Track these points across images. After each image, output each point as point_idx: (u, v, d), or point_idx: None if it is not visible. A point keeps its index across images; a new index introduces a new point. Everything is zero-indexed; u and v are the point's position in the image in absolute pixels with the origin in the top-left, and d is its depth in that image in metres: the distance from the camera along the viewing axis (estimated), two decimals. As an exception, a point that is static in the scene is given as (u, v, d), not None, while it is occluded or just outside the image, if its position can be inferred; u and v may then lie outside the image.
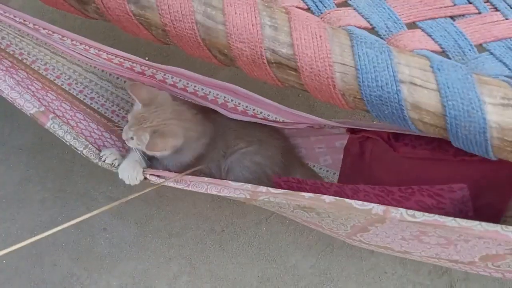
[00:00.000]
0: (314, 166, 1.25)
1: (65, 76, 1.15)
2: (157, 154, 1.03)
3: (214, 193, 0.96)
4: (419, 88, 0.65)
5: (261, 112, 1.04)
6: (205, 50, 0.71)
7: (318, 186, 0.96)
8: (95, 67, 1.16)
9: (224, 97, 1.04)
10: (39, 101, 1.04)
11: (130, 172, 1.03)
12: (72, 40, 0.97)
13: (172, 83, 1.03)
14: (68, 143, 1.03)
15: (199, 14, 0.68)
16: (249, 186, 0.92)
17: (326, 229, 1.01)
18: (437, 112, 0.64)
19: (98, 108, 1.18)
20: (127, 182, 1.03)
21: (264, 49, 0.67)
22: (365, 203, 0.78)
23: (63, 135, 1.02)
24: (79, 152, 1.03)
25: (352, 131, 1.12)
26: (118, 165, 1.05)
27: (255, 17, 0.68)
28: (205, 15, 0.68)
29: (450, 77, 0.64)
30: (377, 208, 0.76)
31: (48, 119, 1.01)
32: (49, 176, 1.47)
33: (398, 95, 0.64)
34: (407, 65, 0.65)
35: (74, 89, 1.16)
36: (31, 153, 1.50)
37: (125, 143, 1.07)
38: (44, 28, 0.96)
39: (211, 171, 1.11)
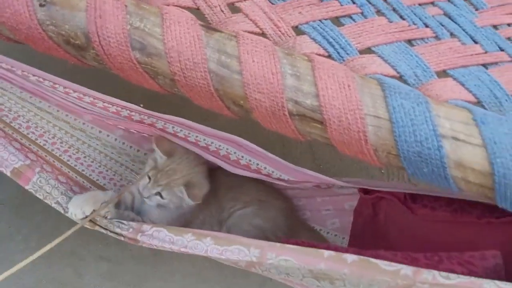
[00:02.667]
0: (320, 229, 1.14)
1: (48, 134, 1.07)
2: (190, 203, 0.98)
3: (215, 255, 0.86)
4: (462, 144, 0.57)
5: (265, 168, 0.97)
6: (217, 101, 0.64)
7: (333, 249, 0.86)
8: (84, 123, 1.08)
9: (227, 149, 0.97)
10: (25, 155, 0.95)
11: (83, 204, 0.90)
12: (65, 87, 0.89)
13: (173, 132, 0.96)
14: (54, 201, 0.94)
15: (213, 63, 0.61)
16: (262, 242, 0.82)
17: None
18: (483, 171, 0.57)
19: (83, 170, 1.09)
20: (71, 214, 0.91)
21: (286, 100, 0.60)
22: (393, 263, 0.69)
23: (50, 191, 0.94)
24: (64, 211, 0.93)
25: (364, 191, 1.04)
26: (111, 218, 0.94)
27: (275, 65, 0.61)
28: (219, 64, 0.61)
29: (497, 132, 0.57)
30: (407, 269, 0.68)
31: (34, 173, 0.93)
32: (32, 234, 1.34)
33: (439, 151, 0.57)
34: (447, 118, 0.58)
35: (58, 149, 1.07)
36: (13, 208, 1.38)
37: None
38: (34, 75, 0.89)
39: None
